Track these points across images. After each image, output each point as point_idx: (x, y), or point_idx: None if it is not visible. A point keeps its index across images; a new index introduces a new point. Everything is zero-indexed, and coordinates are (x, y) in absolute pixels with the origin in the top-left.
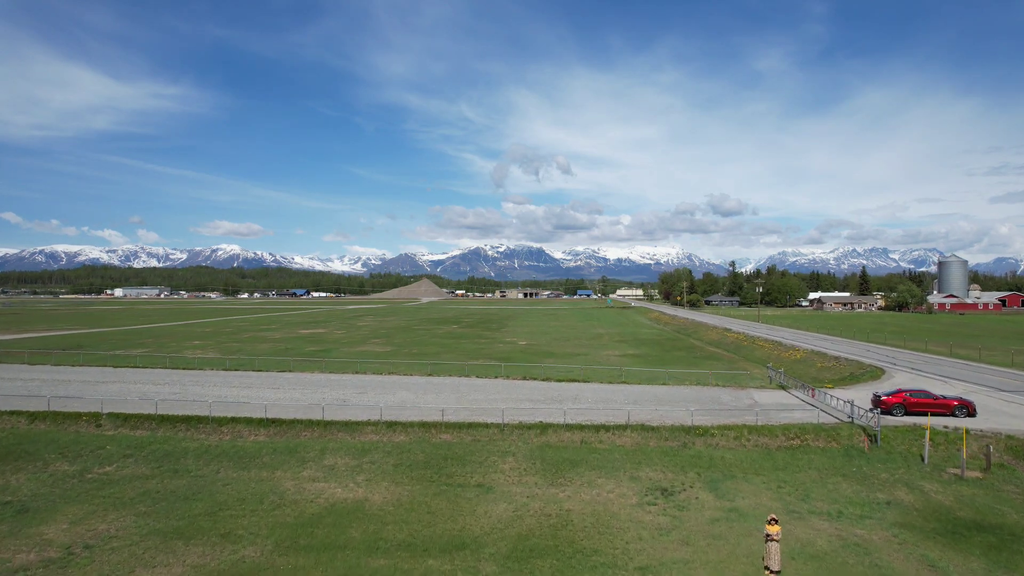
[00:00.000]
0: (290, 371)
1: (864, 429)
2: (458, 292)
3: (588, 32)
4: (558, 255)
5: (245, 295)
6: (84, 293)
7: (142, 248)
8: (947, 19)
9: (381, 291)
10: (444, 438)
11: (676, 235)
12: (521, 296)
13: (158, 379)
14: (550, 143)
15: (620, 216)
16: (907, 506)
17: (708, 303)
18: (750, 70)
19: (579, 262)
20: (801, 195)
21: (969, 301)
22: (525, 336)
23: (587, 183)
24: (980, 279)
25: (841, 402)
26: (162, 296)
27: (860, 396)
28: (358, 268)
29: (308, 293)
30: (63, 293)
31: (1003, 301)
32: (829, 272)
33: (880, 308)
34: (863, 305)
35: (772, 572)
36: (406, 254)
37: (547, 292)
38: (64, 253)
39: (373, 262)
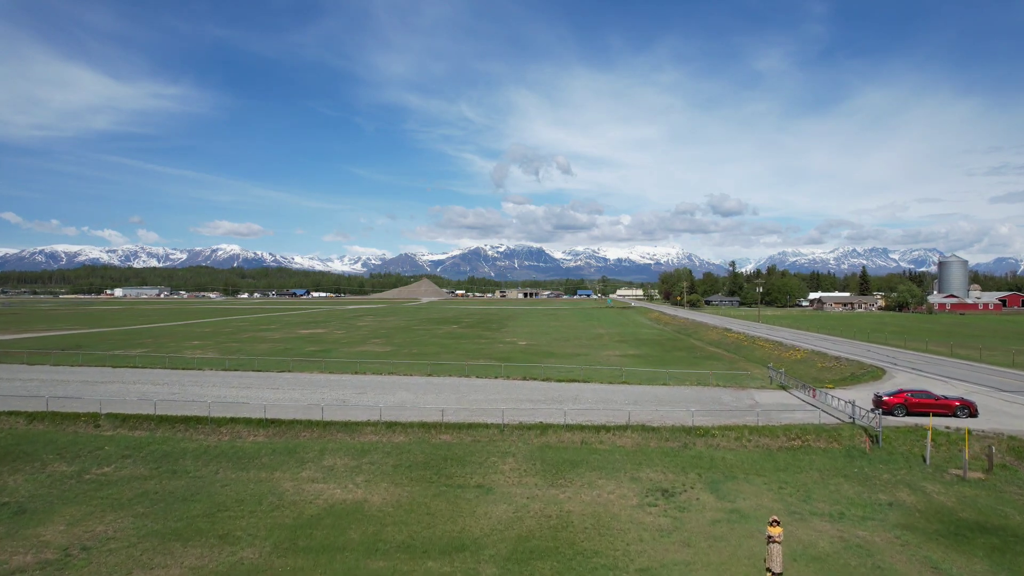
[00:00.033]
0: (289, 371)
1: (866, 430)
2: (458, 292)
3: (588, 32)
4: (558, 255)
5: (245, 295)
6: (84, 293)
7: (142, 248)
8: (947, 19)
9: (381, 291)
10: (444, 439)
11: (676, 235)
12: (521, 296)
13: (157, 379)
14: (550, 143)
15: (620, 216)
16: (909, 507)
17: (708, 303)
18: (750, 70)
19: (579, 262)
20: (801, 195)
21: (969, 301)
22: (525, 336)
23: (587, 183)
24: (980, 279)
25: (842, 402)
26: (162, 296)
27: (861, 396)
28: (358, 268)
29: (308, 293)
30: (63, 293)
31: (1003, 301)
32: (829, 272)
33: (880, 308)
34: (863, 305)
35: (774, 574)
36: (406, 254)
37: (547, 292)
38: (64, 253)
39: (373, 262)
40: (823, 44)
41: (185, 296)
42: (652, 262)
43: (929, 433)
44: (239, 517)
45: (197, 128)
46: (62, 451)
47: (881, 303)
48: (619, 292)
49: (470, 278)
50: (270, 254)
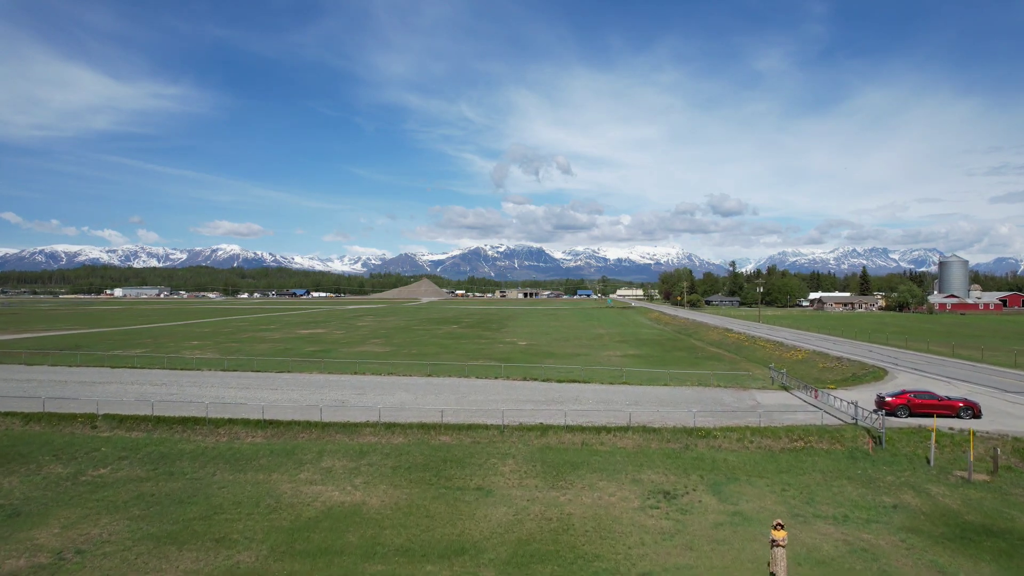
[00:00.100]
0: (289, 372)
1: (868, 431)
2: (458, 292)
3: (588, 32)
4: (558, 255)
5: (245, 295)
6: (84, 293)
7: (142, 248)
8: (947, 19)
9: (381, 291)
10: (443, 440)
11: (676, 235)
12: (521, 296)
13: (155, 380)
14: (550, 143)
15: (620, 216)
16: (914, 510)
17: (708, 303)
18: (750, 70)
19: (579, 262)
20: (801, 195)
21: (970, 301)
22: (525, 336)
23: (587, 183)
24: (980, 279)
25: (844, 403)
26: (162, 296)
27: (863, 397)
28: (358, 268)
29: (308, 293)
30: (63, 293)
31: (1004, 301)
32: (829, 272)
33: (881, 308)
34: (864, 305)
35: None
36: (406, 254)
37: (547, 292)
38: (64, 253)
39: (373, 262)
40: (823, 44)
41: (185, 296)
42: (652, 262)
43: (933, 434)
44: (236, 520)
45: (197, 128)
46: (58, 452)
47: (881, 303)
48: (619, 292)
49: (470, 278)
50: (270, 254)
